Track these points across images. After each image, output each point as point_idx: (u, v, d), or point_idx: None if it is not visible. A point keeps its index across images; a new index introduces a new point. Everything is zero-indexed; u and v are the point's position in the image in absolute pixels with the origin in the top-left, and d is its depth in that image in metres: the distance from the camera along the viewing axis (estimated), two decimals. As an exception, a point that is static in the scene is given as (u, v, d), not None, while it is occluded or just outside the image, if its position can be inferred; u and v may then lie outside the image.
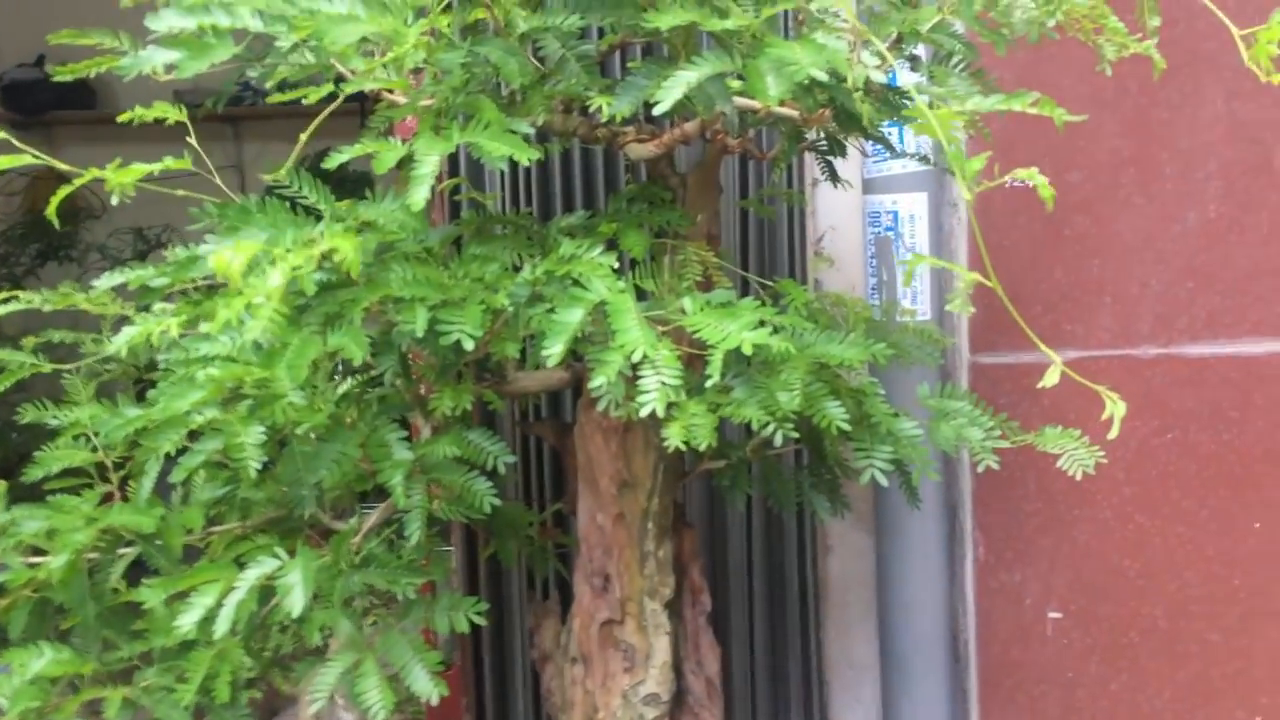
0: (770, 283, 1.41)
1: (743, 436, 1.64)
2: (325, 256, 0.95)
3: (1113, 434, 1.07)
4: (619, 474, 1.36)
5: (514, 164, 1.94)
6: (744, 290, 1.78)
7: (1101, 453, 1.30)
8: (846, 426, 1.20)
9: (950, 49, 1.20)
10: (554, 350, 1.02)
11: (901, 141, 1.87)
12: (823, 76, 0.96)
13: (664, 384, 1.00)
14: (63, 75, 1.23)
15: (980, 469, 1.33)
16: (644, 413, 1.00)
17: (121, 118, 1.25)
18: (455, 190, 1.90)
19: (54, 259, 5.87)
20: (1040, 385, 1.05)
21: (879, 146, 1.83)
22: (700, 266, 1.32)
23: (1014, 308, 1.88)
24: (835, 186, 1.56)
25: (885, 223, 1.93)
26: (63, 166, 1.30)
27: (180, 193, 1.25)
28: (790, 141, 1.37)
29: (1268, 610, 1.91)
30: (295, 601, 1.08)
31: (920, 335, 1.59)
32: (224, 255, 0.91)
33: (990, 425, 1.34)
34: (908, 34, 1.16)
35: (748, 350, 1.02)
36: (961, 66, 1.23)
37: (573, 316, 1.05)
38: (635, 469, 1.36)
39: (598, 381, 1.00)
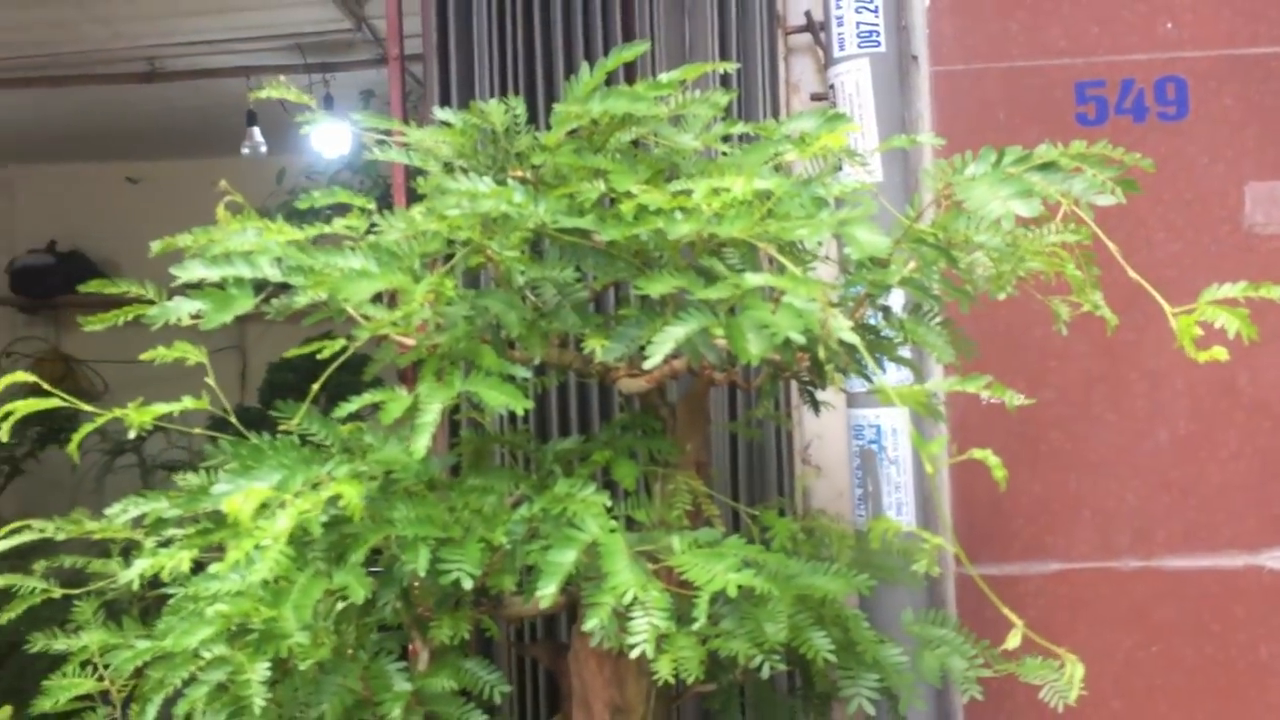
0: (755, 513, 1.47)
1: (734, 660, 1.67)
2: (331, 500, 1.01)
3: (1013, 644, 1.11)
4: (612, 700, 1.40)
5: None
6: (735, 517, 1.83)
7: (1081, 682, 1.33)
8: (832, 658, 1.24)
9: (920, 300, 1.29)
10: (548, 591, 1.08)
11: (883, 369, 1.97)
12: (799, 339, 1.04)
13: (653, 624, 1.05)
14: (93, 326, 1.31)
15: (964, 699, 1.36)
16: (634, 654, 1.04)
17: (144, 356, 1.33)
18: (455, 409, 1.97)
19: (54, 442, 5.94)
20: (1000, 648, 1.09)
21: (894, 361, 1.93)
22: (690, 495, 1.39)
23: (997, 520, 1.94)
24: (816, 415, 1.63)
25: (869, 435, 2.00)
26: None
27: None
28: (772, 377, 1.45)
29: (1262, 825, 1.91)
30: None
31: (905, 555, 1.64)
32: (235, 501, 0.97)
33: (973, 654, 1.38)
34: (877, 292, 1.25)
35: (732, 592, 1.08)
36: (932, 317, 1.31)
37: (566, 557, 1.10)
38: (628, 696, 1.40)
39: (592, 623, 1.05)
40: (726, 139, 1.46)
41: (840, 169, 1.37)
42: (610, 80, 1.56)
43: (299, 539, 1.18)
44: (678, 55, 2.12)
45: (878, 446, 2.00)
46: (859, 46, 1.98)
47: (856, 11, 1.98)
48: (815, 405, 1.61)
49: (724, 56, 2.09)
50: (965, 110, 1.98)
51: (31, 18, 4.39)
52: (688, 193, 1.15)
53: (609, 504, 1.21)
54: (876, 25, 1.98)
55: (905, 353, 1.44)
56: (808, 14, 2.14)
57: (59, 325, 7.01)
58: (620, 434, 1.50)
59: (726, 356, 1.43)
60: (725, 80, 2.07)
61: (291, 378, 4.48)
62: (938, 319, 1.31)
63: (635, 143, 1.42)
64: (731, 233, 1.08)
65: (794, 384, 2.15)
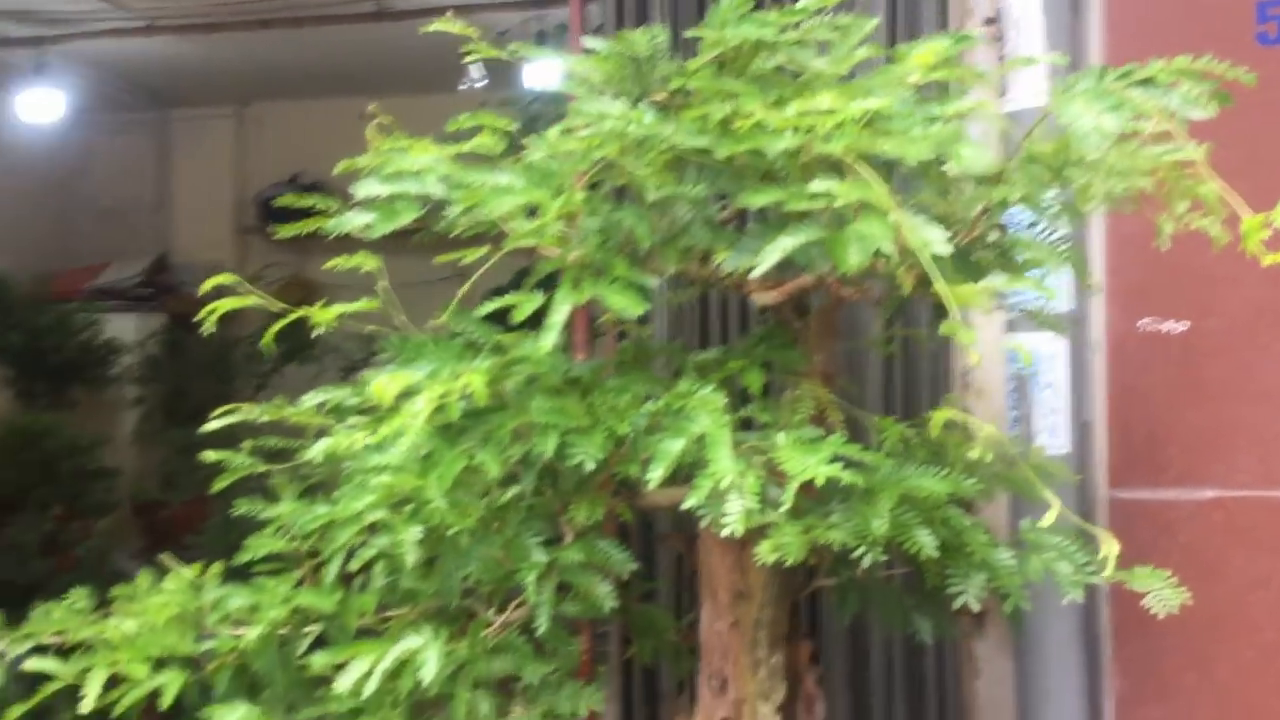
0: (872, 418, 1.54)
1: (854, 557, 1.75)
2: (464, 389, 1.16)
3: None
4: (734, 585, 1.51)
5: (675, 303, 2.15)
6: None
7: (1189, 594, 1.36)
8: (934, 552, 1.32)
9: (1038, 218, 1.33)
10: (655, 474, 1.20)
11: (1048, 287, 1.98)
12: (889, 249, 1.12)
13: (747, 507, 1.16)
14: (285, 233, 1.50)
15: (1065, 601, 1.41)
16: (724, 533, 1.15)
17: (326, 266, 1.52)
18: (620, 322, 2.10)
19: (296, 360, 6.45)
20: (1100, 557, 1.14)
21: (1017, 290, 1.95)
22: (813, 402, 1.48)
23: (1151, 447, 1.95)
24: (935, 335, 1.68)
25: (1025, 360, 2.02)
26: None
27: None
28: (895, 292, 1.51)
29: None
30: (428, 672, 1.27)
31: (1041, 471, 1.68)
32: (381, 383, 1.13)
33: (1085, 561, 1.42)
34: (994, 207, 1.30)
35: (820, 482, 1.17)
36: (1050, 234, 1.35)
37: (676, 446, 1.22)
38: (749, 581, 1.51)
39: (690, 502, 1.17)
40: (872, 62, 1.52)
41: (967, 92, 1.41)
42: (760, 5, 1.65)
43: (450, 425, 1.34)
44: (848, -17, 2.16)
45: (1033, 371, 2.03)
46: (1028, -32, 1.98)
47: (1026, -67, 1.98)
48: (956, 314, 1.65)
49: (892, -18, 2.12)
50: (1139, 31, 1.96)
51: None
52: (810, 113, 1.22)
53: (731, 404, 1.31)
54: (1047, -54, 1.98)
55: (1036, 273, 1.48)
56: (981, -67, 2.14)
57: (301, 253, 7.55)
58: (755, 346, 1.59)
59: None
60: (891, 3, 2.11)
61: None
62: (1055, 236, 1.35)
63: (780, 69, 1.50)
64: (832, 150, 1.15)
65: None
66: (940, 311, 2.15)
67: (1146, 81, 1.10)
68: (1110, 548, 1.21)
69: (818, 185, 1.09)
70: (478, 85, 5.25)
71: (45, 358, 5.90)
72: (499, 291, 1.41)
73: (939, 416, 1.23)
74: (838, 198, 1.08)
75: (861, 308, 2.16)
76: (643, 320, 2.17)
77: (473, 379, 1.17)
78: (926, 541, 1.32)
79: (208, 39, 5.56)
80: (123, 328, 6.32)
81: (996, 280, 1.58)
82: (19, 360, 5.93)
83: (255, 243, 7.55)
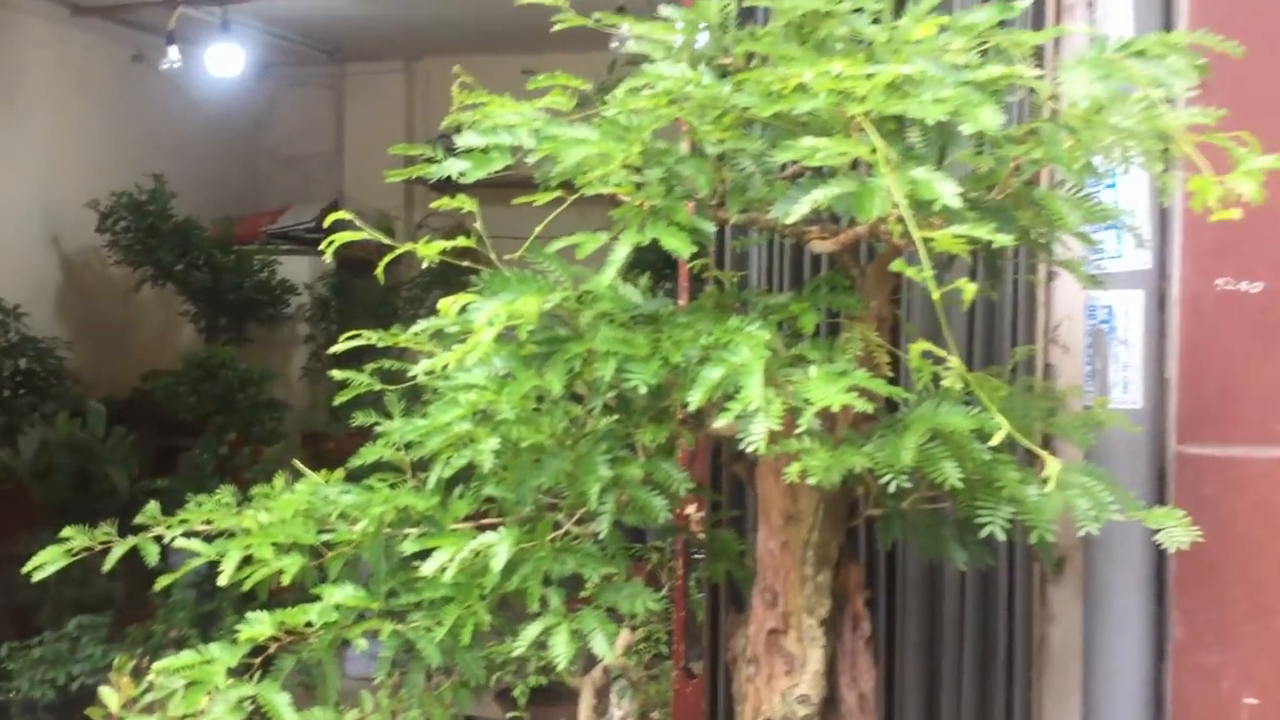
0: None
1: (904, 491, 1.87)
2: (516, 315, 1.34)
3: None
4: (786, 509, 1.66)
5: (770, 248, 2.29)
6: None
7: (1199, 534, 1.45)
8: (959, 484, 1.44)
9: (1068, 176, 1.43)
10: (695, 397, 1.36)
11: (1120, 245, 2.05)
12: (903, 202, 1.24)
13: (770, 428, 1.31)
14: (394, 178, 1.70)
15: (1080, 533, 1.51)
16: (747, 448, 1.31)
17: (434, 206, 1.71)
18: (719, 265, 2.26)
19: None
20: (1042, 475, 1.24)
21: (1099, 246, 2.03)
22: (862, 344, 1.61)
23: (1224, 404, 2.01)
24: (996, 286, 1.78)
25: (1101, 316, 2.10)
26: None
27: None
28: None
29: None
30: (498, 562, 1.47)
31: (1090, 420, 1.78)
32: (448, 304, 1.33)
33: (1109, 500, 1.52)
34: (1025, 164, 1.41)
35: (836, 407, 1.31)
36: (1075, 190, 1.45)
37: (714, 373, 1.38)
38: (800, 505, 1.66)
39: (719, 423, 1.33)
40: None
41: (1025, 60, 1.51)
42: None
43: (529, 353, 1.53)
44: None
45: (1109, 326, 2.10)
46: (1120, -67, 2.04)
47: (1118, -99, 2.03)
48: (996, 276, 1.76)
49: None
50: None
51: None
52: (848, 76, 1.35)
53: (768, 339, 1.46)
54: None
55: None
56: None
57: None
58: (818, 291, 1.73)
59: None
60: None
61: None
62: (1079, 192, 1.45)
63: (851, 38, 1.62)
64: (855, 111, 1.28)
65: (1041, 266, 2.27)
66: (1019, 267, 2.24)
67: (1141, 52, 1.19)
68: (1052, 467, 1.31)
69: (809, 144, 1.22)
70: (628, 44, 5.42)
71: (225, 295, 6.37)
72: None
73: (1022, 350, 1.35)
74: (830, 152, 1.20)
75: (963, 263, 2.26)
76: (738, 267, 2.33)
77: (527, 304, 1.35)
78: (951, 472, 1.44)
79: None
80: (296, 270, 6.76)
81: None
82: (202, 297, 6.41)
83: (421, 192, 7.92)
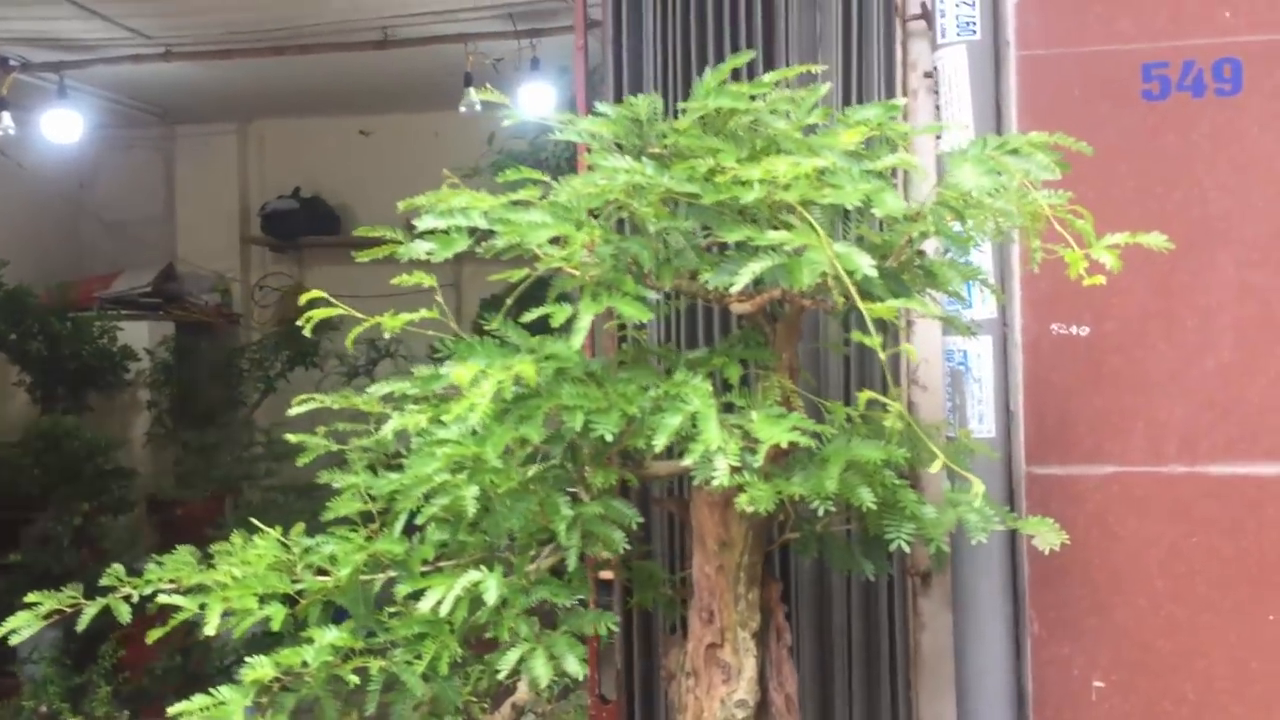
0: (827, 404, 1.95)
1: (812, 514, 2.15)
2: (517, 377, 1.55)
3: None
4: (719, 536, 1.91)
5: (667, 311, 2.54)
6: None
7: (1067, 537, 1.77)
8: (873, 505, 1.72)
9: (948, 245, 1.74)
10: (659, 441, 1.59)
11: (970, 297, 2.39)
12: (829, 271, 1.51)
13: (729, 464, 1.55)
14: (362, 259, 1.88)
15: (974, 543, 1.81)
16: (714, 484, 1.55)
17: (395, 281, 1.90)
18: (622, 327, 2.50)
19: (301, 364, 6.82)
20: (975, 495, 1.52)
21: (953, 298, 2.36)
22: (780, 391, 1.87)
23: (1062, 430, 2.36)
24: (872, 336, 2.08)
25: (958, 358, 2.43)
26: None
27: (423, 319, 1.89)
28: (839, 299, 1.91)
29: (1284, 691, 2.28)
30: (490, 596, 1.67)
31: (961, 448, 2.09)
32: (459, 372, 1.53)
33: (990, 515, 1.82)
34: (916, 238, 1.71)
35: (783, 444, 1.57)
36: (959, 256, 1.75)
37: (674, 420, 1.61)
38: (731, 533, 1.91)
39: (685, 462, 1.57)
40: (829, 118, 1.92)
41: (896, 149, 1.81)
42: (738, 74, 2.05)
43: (499, 407, 1.73)
44: (809, 42, 2.57)
45: (964, 367, 2.43)
46: (958, 34, 2.39)
47: (956, 5, 2.39)
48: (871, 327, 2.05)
49: (847, 43, 2.52)
50: (1046, 89, 2.37)
51: (287, -4, 5.12)
52: (774, 169, 1.62)
53: (715, 391, 1.70)
54: (974, 17, 2.39)
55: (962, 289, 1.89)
56: (923, 3, 2.55)
57: (302, 263, 7.93)
58: (732, 346, 1.99)
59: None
60: (847, 63, 2.51)
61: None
62: (963, 259, 1.75)
63: (750, 127, 1.90)
64: (789, 198, 1.55)
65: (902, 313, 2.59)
66: (885, 322, 2.56)
67: (1014, 150, 1.50)
68: (977, 487, 1.60)
69: (774, 235, 1.48)
70: (476, 108, 5.65)
71: (64, 363, 6.25)
72: (492, 301, 1.80)
73: (864, 396, 1.63)
74: (790, 241, 1.47)
75: (825, 317, 2.56)
76: (639, 326, 2.57)
77: (524, 368, 1.56)
78: (866, 497, 1.71)
79: (216, 61, 5.92)
80: (135, 335, 6.68)
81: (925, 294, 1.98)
82: (38, 366, 6.28)
83: (257, 253, 7.91)
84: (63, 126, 6.04)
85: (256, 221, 7.76)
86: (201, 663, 4.17)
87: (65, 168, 7.27)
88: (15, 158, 6.57)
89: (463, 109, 5.71)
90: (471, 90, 5.65)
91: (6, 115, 5.81)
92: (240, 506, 5.53)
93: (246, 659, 1.78)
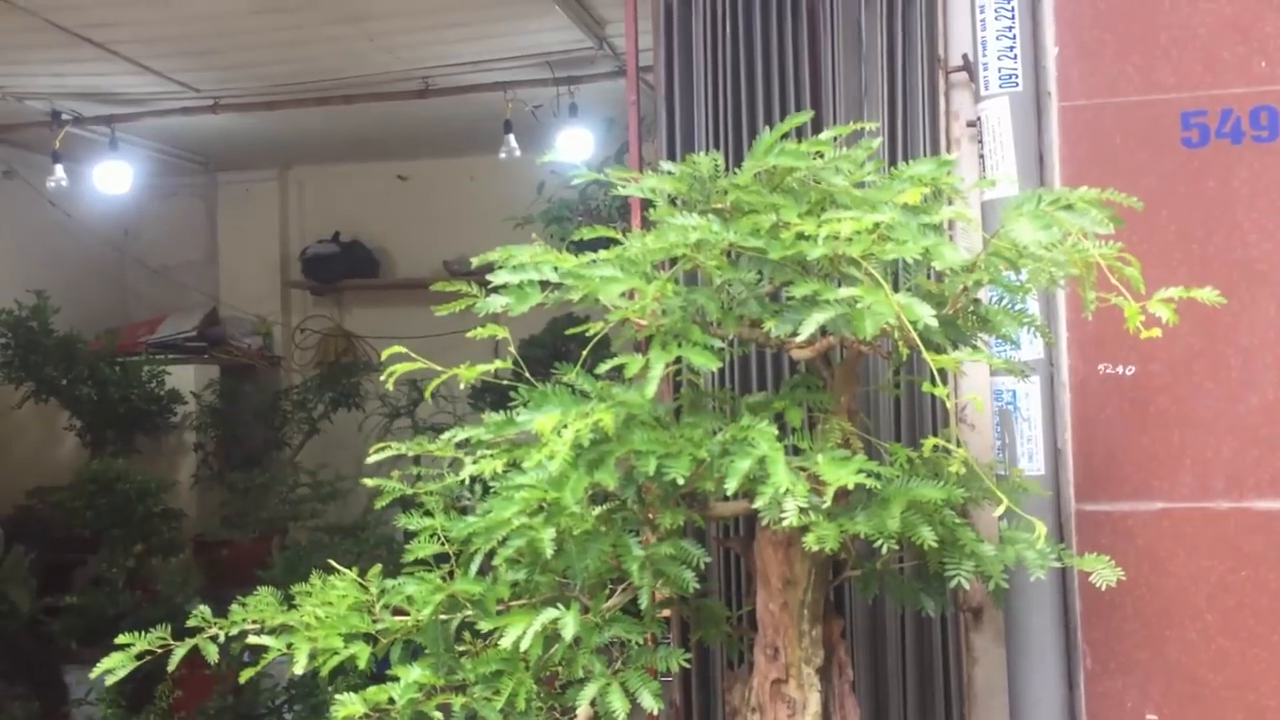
0: (885, 445, 2.02)
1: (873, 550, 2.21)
2: (595, 424, 1.63)
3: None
4: (784, 574, 1.98)
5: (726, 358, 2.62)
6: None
7: (1123, 573, 1.83)
8: (934, 543, 1.78)
9: (1005, 294, 1.81)
10: (731, 485, 1.67)
11: (1018, 339, 2.46)
12: (894, 322, 1.59)
13: (798, 505, 1.63)
14: (443, 311, 1.96)
15: (1032, 578, 1.87)
16: (785, 524, 1.62)
17: (470, 334, 1.98)
18: (678, 372, 2.58)
19: (344, 405, 6.93)
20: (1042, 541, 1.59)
21: (1000, 340, 2.43)
22: (840, 433, 1.95)
23: (1110, 468, 2.42)
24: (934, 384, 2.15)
25: (1006, 398, 2.50)
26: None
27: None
28: (900, 347, 1.99)
29: (1335, 723, 2.32)
30: (567, 632, 1.74)
31: (1015, 486, 2.15)
32: (541, 421, 1.61)
33: (1049, 552, 1.89)
34: (972, 286, 1.78)
35: (850, 486, 1.64)
36: (1015, 304, 1.83)
37: (744, 464, 1.69)
38: (795, 571, 1.98)
39: (758, 504, 1.64)
40: (880, 170, 2.00)
41: (950, 201, 1.89)
42: (790, 131, 2.14)
43: (574, 453, 1.81)
44: (855, 93, 2.66)
45: (1013, 407, 2.50)
46: (1000, 86, 2.48)
47: (999, 58, 2.48)
48: (936, 375, 2.13)
49: (892, 95, 2.62)
50: (1088, 138, 2.45)
51: (328, 50, 5.26)
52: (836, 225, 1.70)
53: (778, 434, 1.78)
54: (1015, 69, 2.48)
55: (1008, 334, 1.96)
56: (964, 56, 2.64)
57: (341, 305, 8.06)
58: (793, 390, 2.07)
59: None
60: (892, 114, 2.60)
61: (540, 353, 5.23)
62: (1019, 307, 1.83)
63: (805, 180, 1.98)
64: (852, 253, 1.63)
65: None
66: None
67: (1069, 206, 1.58)
68: (1040, 530, 1.67)
69: (844, 292, 1.56)
70: (515, 154, 5.77)
71: (114, 408, 6.37)
72: (534, 341, 1.88)
73: (929, 443, 1.70)
74: (860, 297, 1.55)
75: (876, 360, 2.63)
76: (694, 371, 2.65)
77: (604, 415, 1.65)
78: (928, 535, 1.78)
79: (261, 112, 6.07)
80: (182, 378, 6.80)
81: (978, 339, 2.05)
82: (88, 410, 6.41)
83: (298, 296, 8.04)
84: (113, 178, 6.19)
85: (297, 265, 7.89)
86: (253, 704, 4.25)
87: (111, 216, 7.43)
88: (64, 208, 6.74)
89: (502, 155, 5.82)
90: (511, 137, 5.77)
91: (59, 168, 5.97)
92: (287, 547, 5.61)
93: (308, 699, 1.86)
